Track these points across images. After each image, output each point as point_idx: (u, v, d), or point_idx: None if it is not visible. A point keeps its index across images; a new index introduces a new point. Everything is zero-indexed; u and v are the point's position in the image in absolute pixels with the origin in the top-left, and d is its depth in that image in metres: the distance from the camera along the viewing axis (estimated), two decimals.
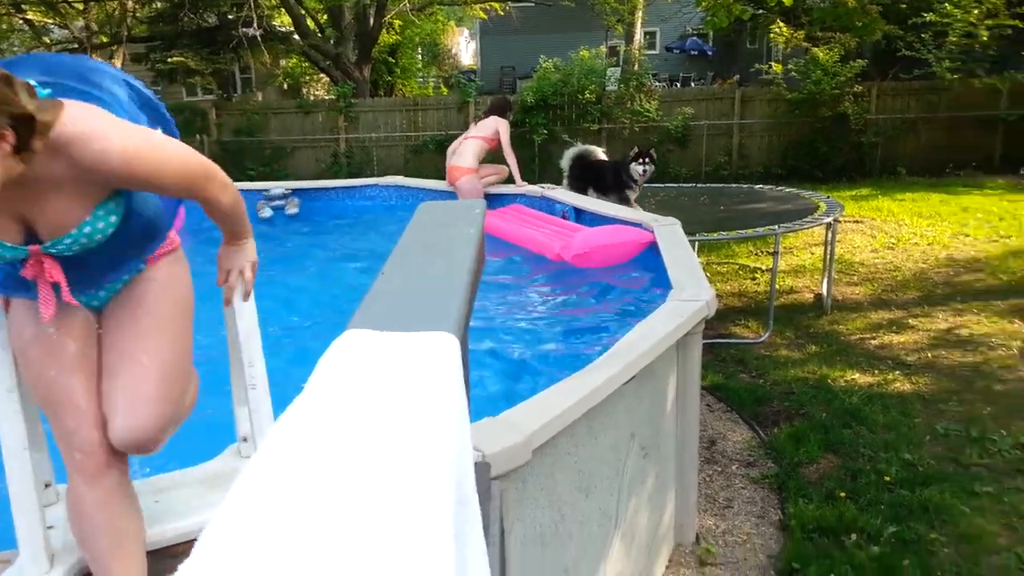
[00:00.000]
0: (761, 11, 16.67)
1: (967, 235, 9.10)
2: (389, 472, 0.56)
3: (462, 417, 0.76)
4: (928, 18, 13.52)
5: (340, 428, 0.61)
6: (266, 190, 7.17)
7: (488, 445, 1.97)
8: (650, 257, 4.34)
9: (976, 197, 11.37)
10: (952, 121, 13.94)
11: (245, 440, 2.38)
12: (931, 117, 13.98)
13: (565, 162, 7.06)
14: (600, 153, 7.21)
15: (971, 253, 8.35)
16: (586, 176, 6.93)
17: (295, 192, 7.23)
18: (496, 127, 6.73)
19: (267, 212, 6.91)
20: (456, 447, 0.67)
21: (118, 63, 14.95)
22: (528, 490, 2.24)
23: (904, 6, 14.90)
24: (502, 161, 6.78)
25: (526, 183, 6.79)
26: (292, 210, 7.00)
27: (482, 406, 2.91)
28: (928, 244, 8.80)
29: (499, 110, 6.94)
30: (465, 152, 6.67)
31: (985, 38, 13.36)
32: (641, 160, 6.47)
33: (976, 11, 13.21)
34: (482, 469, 1.68)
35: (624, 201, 6.47)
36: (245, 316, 1.97)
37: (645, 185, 6.74)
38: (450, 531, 0.54)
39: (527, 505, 2.25)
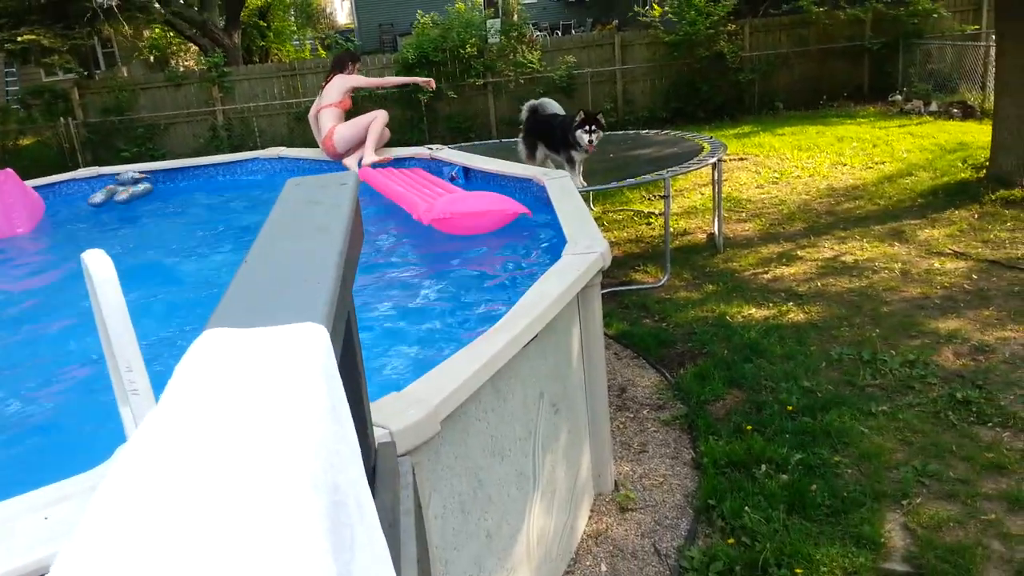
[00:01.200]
0: None
1: (844, 164, 9.46)
2: (243, 487, 0.53)
3: (334, 412, 0.71)
4: None
5: (192, 443, 0.58)
6: (117, 174, 6.60)
7: (394, 422, 1.90)
8: (545, 211, 4.30)
9: (850, 127, 11.82)
10: (822, 53, 14.42)
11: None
12: (802, 51, 14.42)
13: (523, 115, 6.65)
14: (553, 106, 6.60)
15: (849, 181, 8.68)
16: (536, 131, 6.48)
17: (158, 174, 6.70)
18: (345, 84, 6.45)
19: (98, 198, 6.25)
20: (323, 447, 0.64)
21: None
22: (442, 460, 2.20)
23: None
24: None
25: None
26: (122, 196, 6.29)
27: (388, 382, 2.84)
28: (809, 176, 9.10)
29: (338, 67, 6.64)
30: (323, 123, 6.40)
31: None
32: (587, 128, 5.83)
33: None
34: (388, 449, 1.61)
35: (570, 162, 6.05)
36: (116, 318, 1.82)
37: None
38: (319, 539, 0.54)
39: (443, 476, 2.21)
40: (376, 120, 6.34)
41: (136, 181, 6.45)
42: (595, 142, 5.88)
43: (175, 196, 6.59)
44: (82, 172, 6.77)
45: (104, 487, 0.53)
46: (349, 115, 6.55)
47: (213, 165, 7.05)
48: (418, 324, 3.47)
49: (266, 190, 6.42)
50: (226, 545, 0.48)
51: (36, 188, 6.14)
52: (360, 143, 6.37)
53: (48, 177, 6.66)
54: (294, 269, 0.90)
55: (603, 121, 6.00)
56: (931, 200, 7.62)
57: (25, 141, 14.19)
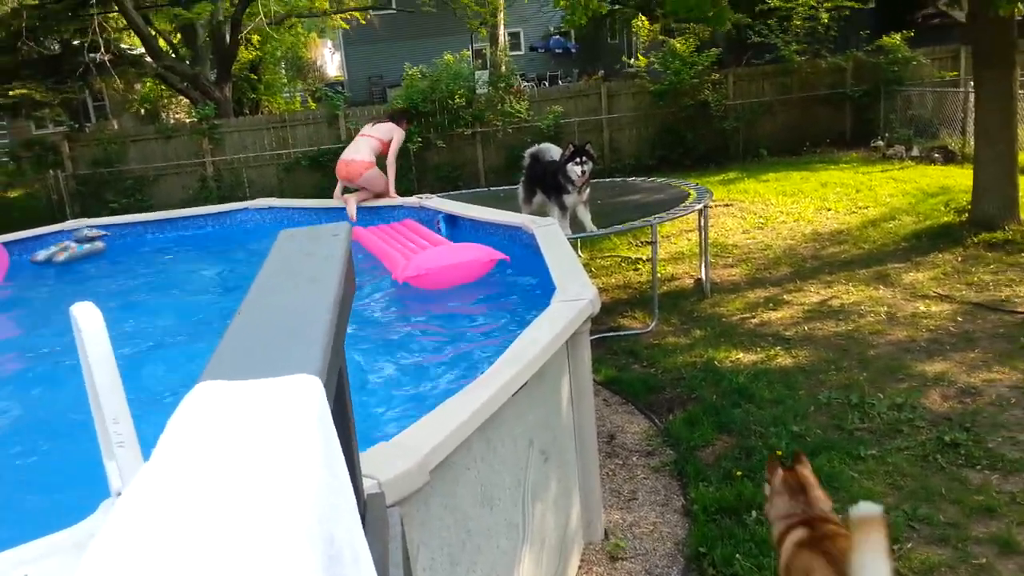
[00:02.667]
0: (618, 6, 17.11)
1: (829, 209, 9.58)
2: (238, 541, 0.53)
3: (329, 463, 0.71)
4: (773, 3, 14.22)
5: (187, 497, 0.58)
6: (76, 229, 6.33)
7: (383, 472, 1.90)
8: (533, 259, 4.33)
9: (833, 172, 11.99)
10: (805, 101, 14.67)
11: (120, 495, 2.21)
12: (785, 99, 14.67)
13: (524, 161, 6.66)
14: (553, 152, 6.47)
15: (834, 226, 8.78)
16: (535, 177, 6.45)
17: (116, 228, 6.44)
18: (392, 133, 6.60)
19: (40, 256, 5.99)
20: (319, 499, 0.64)
21: None
22: (432, 511, 2.19)
23: None
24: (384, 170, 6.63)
25: (396, 196, 6.65)
26: (61, 257, 5.99)
27: (378, 431, 2.83)
28: (794, 221, 9.20)
29: (398, 118, 6.82)
30: (362, 147, 6.54)
31: (826, 20, 14.16)
32: (577, 160, 5.82)
33: None
34: (377, 500, 1.60)
35: (560, 207, 6.00)
36: (104, 369, 1.82)
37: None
38: None
39: (432, 526, 2.19)
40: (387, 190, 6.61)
41: (89, 239, 6.18)
42: (587, 173, 5.90)
43: (131, 252, 6.43)
44: (48, 228, 6.57)
45: (97, 544, 0.53)
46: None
47: (200, 216, 7.07)
48: (407, 372, 3.48)
49: (253, 240, 6.44)
50: None
51: (7, 243, 6.03)
52: (368, 193, 6.55)
53: (18, 232, 6.44)
54: (288, 320, 0.91)
55: (593, 152, 6.04)
56: (915, 244, 7.70)
57: (13, 193, 14.23)
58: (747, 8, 15.41)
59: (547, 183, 6.22)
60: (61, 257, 6.05)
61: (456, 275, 4.45)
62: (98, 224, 6.63)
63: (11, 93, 13.98)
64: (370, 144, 6.52)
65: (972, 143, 8.95)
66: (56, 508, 2.56)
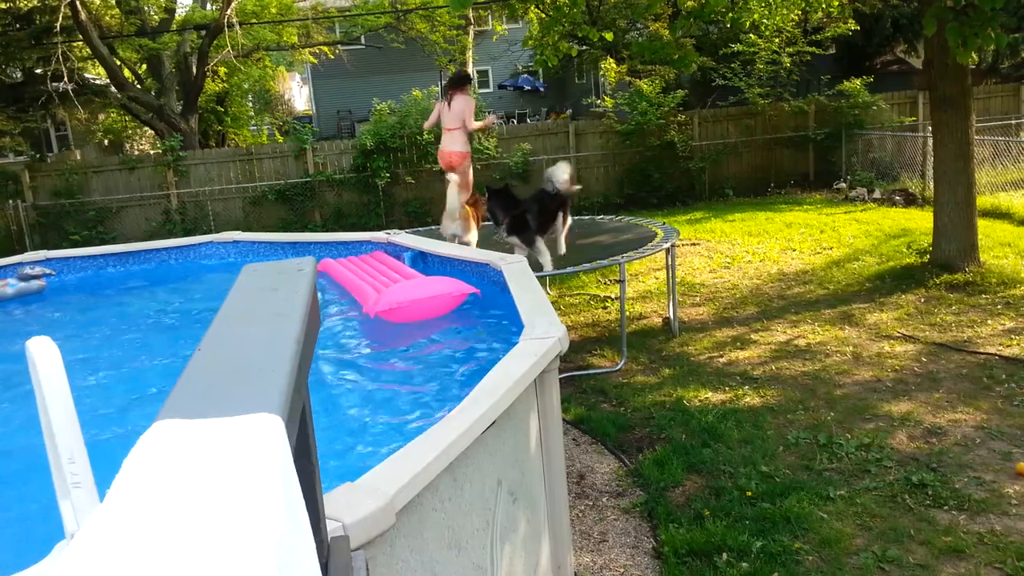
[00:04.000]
0: (586, 47, 17.36)
1: (794, 249, 9.69)
2: None
3: (289, 507, 0.68)
4: (736, 48, 14.52)
5: (141, 541, 0.56)
6: (20, 264, 6.00)
7: (348, 514, 1.83)
8: (501, 296, 4.29)
9: (798, 213, 12.16)
10: (769, 143, 14.94)
11: (74, 538, 2.11)
12: (750, 140, 14.92)
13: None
14: (560, 176, 6.34)
15: (799, 266, 8.88)
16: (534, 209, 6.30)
17: (76, 260, 6.18)
18: (464, 108, 6.67)
19: None
20: (278, 544, 0.61)
21: None
22: (397, 554, 2.11)
23: (715, 37, 15.94)
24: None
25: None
26: (5, 289, 5.66)
27: (342, 471, 2.75)
28: (760, 261, 9.29)
29: (459, 83, 6.89)
30: (456, 138, 6.63)
31: (788, 64, 14.49)
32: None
33: (777, 40, 14.30)
34: (341, 543, 1.54)
35: (528, 242, 6.05)
36: (60, 407, 1.75)
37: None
38: None
39: (397, 570, 2.12)
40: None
41: (30, 277, 5.84)
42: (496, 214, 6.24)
43: (92, 286, 6.24)
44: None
45: None
46: None
47: (163, 249, 6.94)
48: (372, 410, 3.40)
49: (218, 274, 6.33)
50: None
51: None
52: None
53: None
54: (249, 357, 0.87)
55: (508, 191, 6.36)
56: (878, 284, 7.80)
57: None
58: (711, 52, 15.76)
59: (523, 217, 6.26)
60: (5, 290, 5.70)
61: (427, 308, 4.40)
62: (56, 257, 6.46)
63: None
64: (459, 140, 6.58)
65: (932, 186, 9.14)
66: (9, 550, 2.44)
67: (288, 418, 0.76)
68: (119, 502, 0.61)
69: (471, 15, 20.44)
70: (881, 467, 4.19)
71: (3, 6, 15.16)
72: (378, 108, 14.42)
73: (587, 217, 9.60)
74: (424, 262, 5.74)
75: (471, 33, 22.10)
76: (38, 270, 5.93)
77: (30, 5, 14.93)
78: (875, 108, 14.21)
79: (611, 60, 16.27)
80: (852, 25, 15.31)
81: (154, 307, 5.77)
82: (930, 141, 9.79)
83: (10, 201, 13.16)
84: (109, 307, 5.84)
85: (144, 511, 0.59)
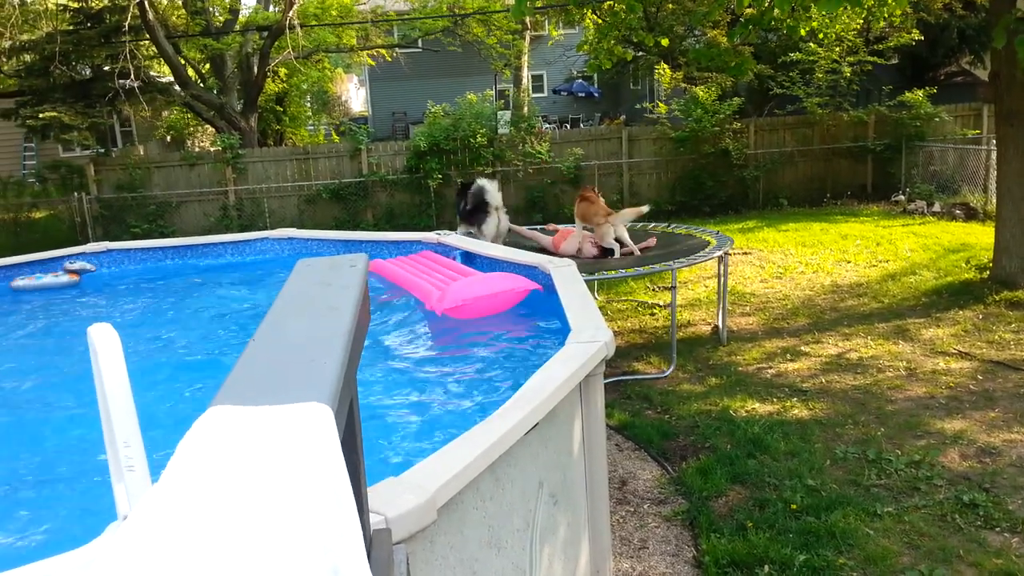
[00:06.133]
0: (641, 53, 17.29)
1: (849, 261, 9.52)
2: (241, 568, 0.53)
3: (335, 494, 0.69)
4: (795, 57, 14.32)
5: (191, 523, 0.58)
6: (69, 258, 6.16)
7: (390, 508, 1.85)
8: (548, 299, 4.30)
9: (854, 225, 11.94)
10: (826, 153, 14.69)
11: (127, 519, 2.18)
12: (806, 150, 14.69)
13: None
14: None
15: (853, 279, 8.72)
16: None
17: (136, 252, 6.38)
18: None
19: (19, 282, 5.80)
20: (324, 529, 0.64)
21: None
22: (436, 550, 2.13)
23: (773, 45, 15.75)
24: None
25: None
26: (20, 283, 5.80)
27: (385, 465, 2.79)
28: (813, 272, 9.15)
29: None
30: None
31: (848, 74, 14.24)
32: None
33: (838, 49, 14.07)
34: (383, 536, 1.57)
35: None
36: (118, 392, 1.81)
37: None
38: None
39: (436, 567, 2.14)
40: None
41: (70, 271, 5.99)
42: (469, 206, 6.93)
43: (152, 277, 6.39)
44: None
45: (100, 565, 0.54)
46: None
47: (220, 244, 7.09)
48: (417, 408, 3.44)
49: (272, 270, 6.45)
50: None
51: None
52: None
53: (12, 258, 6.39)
54: (301, 348, 0.90)
55: (471, 186, 7.17)
56: (935, 299, 7.63)
57: (38, 214, 14.41)
58: (770, 60, 15.56)
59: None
60: (31, 283, 5.90)
61: (492, 304, 4.45)
62: (118, 249, 6.65)
63: (41, 115, 14.25)
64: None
65: (994, 201, 8.91)
66: (63, 531, 2.53)
67: (337, 408, 0.78)
68: (171, 484, 0.63)
69: (528, 20, 20.49)
70: (931, 485, 4.10)
71: (75, 5, 15.67)
72: (432, 110, 14.55)
73: (639, 223, 9.54)
74: (472, 263, 5.78)
75: (527, 38, 22.16)
76: (78, 265, 6.13)
77: (101, 4, 15.39)
78: (937, 120, 13.90)
79: (666, 66, 16.17)
80: (916, 35, 14.99)
81: (212, 299, 5.91)
82: (994, 155, 9.55)
83: (75, 193, 13.58)
84: (164, 297, 5.99)
85: (195, 494, 0.61)
